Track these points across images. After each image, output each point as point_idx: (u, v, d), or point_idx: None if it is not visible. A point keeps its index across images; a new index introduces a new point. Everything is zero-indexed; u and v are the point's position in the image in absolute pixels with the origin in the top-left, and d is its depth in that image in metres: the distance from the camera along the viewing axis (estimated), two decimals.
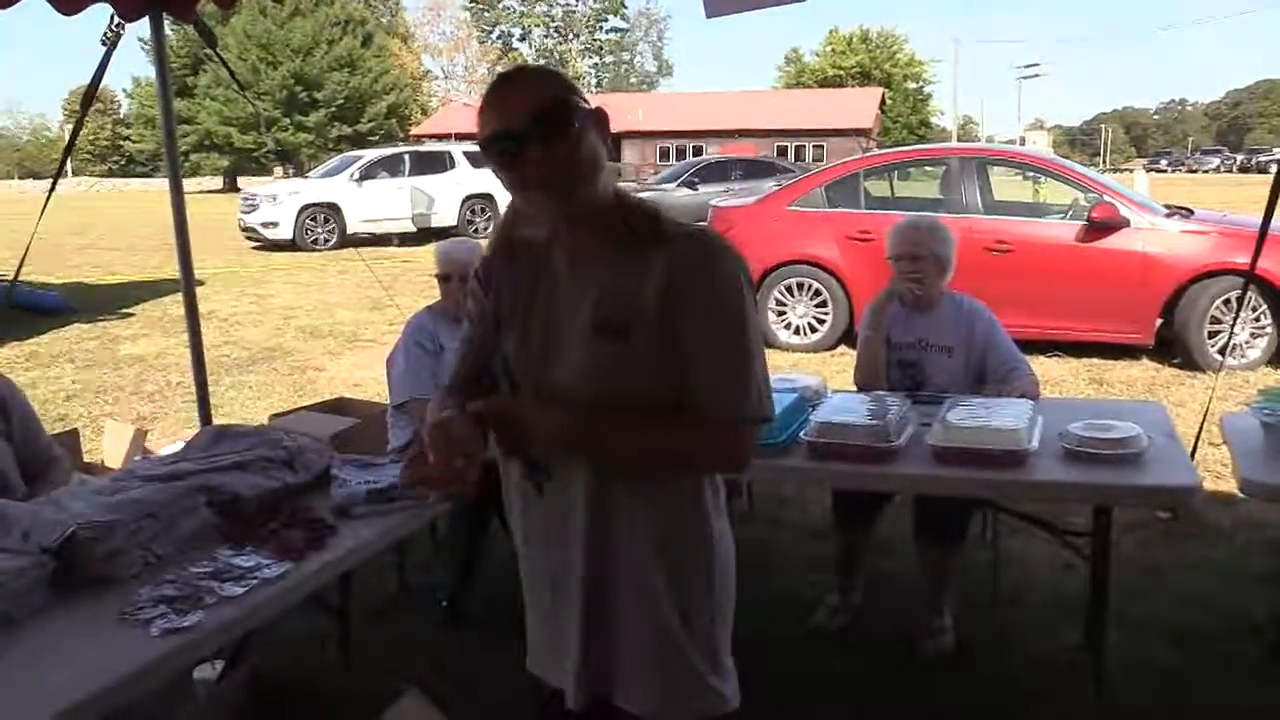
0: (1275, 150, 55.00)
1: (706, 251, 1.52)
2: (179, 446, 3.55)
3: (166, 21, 3.54)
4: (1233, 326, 5.79)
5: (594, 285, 1.56)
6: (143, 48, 41.28)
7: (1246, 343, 7.12)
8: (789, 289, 8.32)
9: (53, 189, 3.86)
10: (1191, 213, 7.70)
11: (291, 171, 43.22)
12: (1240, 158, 58.85)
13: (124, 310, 11.07)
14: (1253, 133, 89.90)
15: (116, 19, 3.32)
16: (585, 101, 1.52)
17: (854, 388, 3.56)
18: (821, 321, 8.27)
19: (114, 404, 6.96)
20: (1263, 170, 47.29)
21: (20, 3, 3.02)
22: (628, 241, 1.55)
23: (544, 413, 1.54)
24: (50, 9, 3.10)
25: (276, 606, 2.12)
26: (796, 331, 8.35)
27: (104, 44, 3.33)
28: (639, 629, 1.62)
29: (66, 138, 58.08)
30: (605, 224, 1.56)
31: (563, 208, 1.52)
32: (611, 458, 1.56)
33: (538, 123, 1.45)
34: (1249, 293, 6.65)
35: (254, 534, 2.30)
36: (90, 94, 3.49)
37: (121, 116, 63.55)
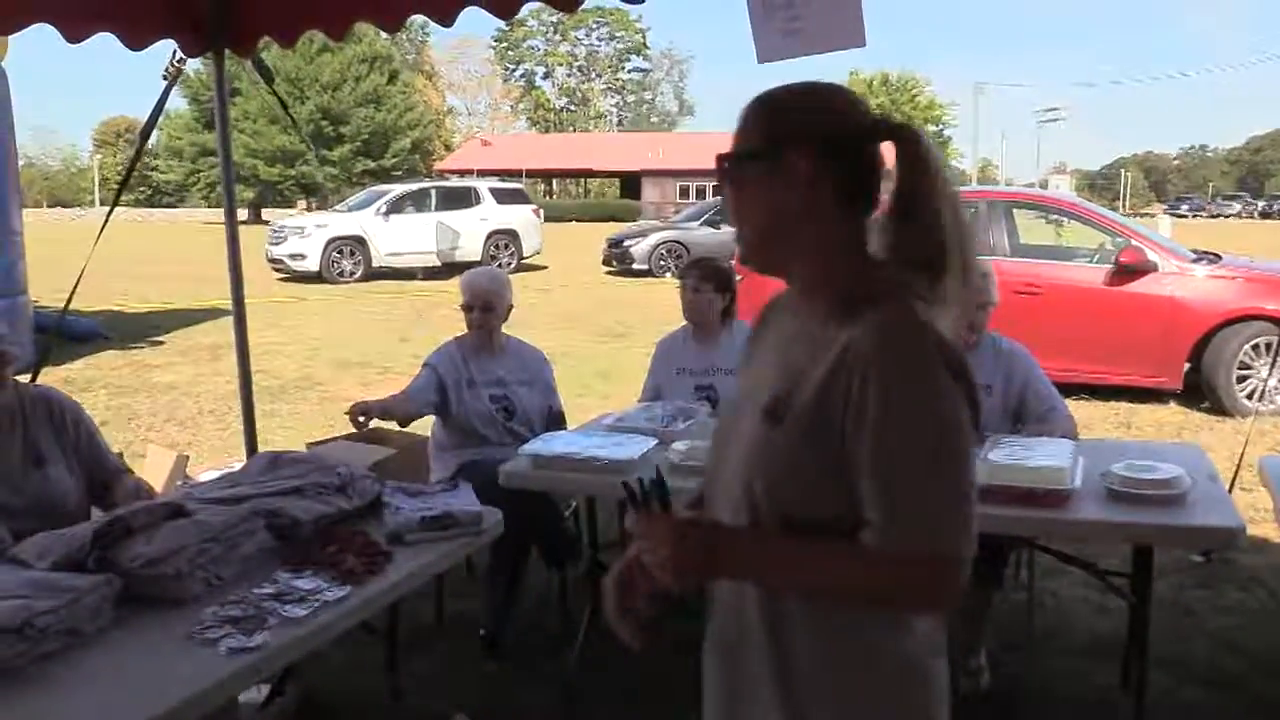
0: None
1: (889, 336, 1.24)
2: (217, 474, 3.62)
3: (198, 58, 3.62)
4: (1270, 371, 5.76)
5: (782, 357, 1.37)
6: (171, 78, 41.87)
7: (1275, 388, 7.12)
8: None
9: (106, 222, 3.97)
10: (1219, 258, 7.72)
11: (315, 205, 43.70)
12: (1262, 204, 58.75)
13: (155, 338, 11.21)
14: (1274, 179, 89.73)
15: (178, 54, 3.43)
16: (794, 150, 1.33)
17: None
18: None
19: (148, 430, 7.05)
20: None
21: (91, 38, 3.13)
22: (828, 313, 1.33)
23: (711, 539, 1.32)
24: (119, 43, 3.21)
25: (335, 630, 2.15)
26: None
27: (165, 78, 3.45)
28: None
29: (96, 168, 58.97)
30: (815, 289, 1.37)
31: (747, 252, 1.41)
32: (785, 589, 1.34)
33: (724, 168, 1.40)
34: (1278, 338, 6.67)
35: (312, 557, 2.35)
36: (149, 126, 3.61)
37: (149, 147, 64.39)
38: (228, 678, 1.87)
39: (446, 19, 3.13)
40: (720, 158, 1.39)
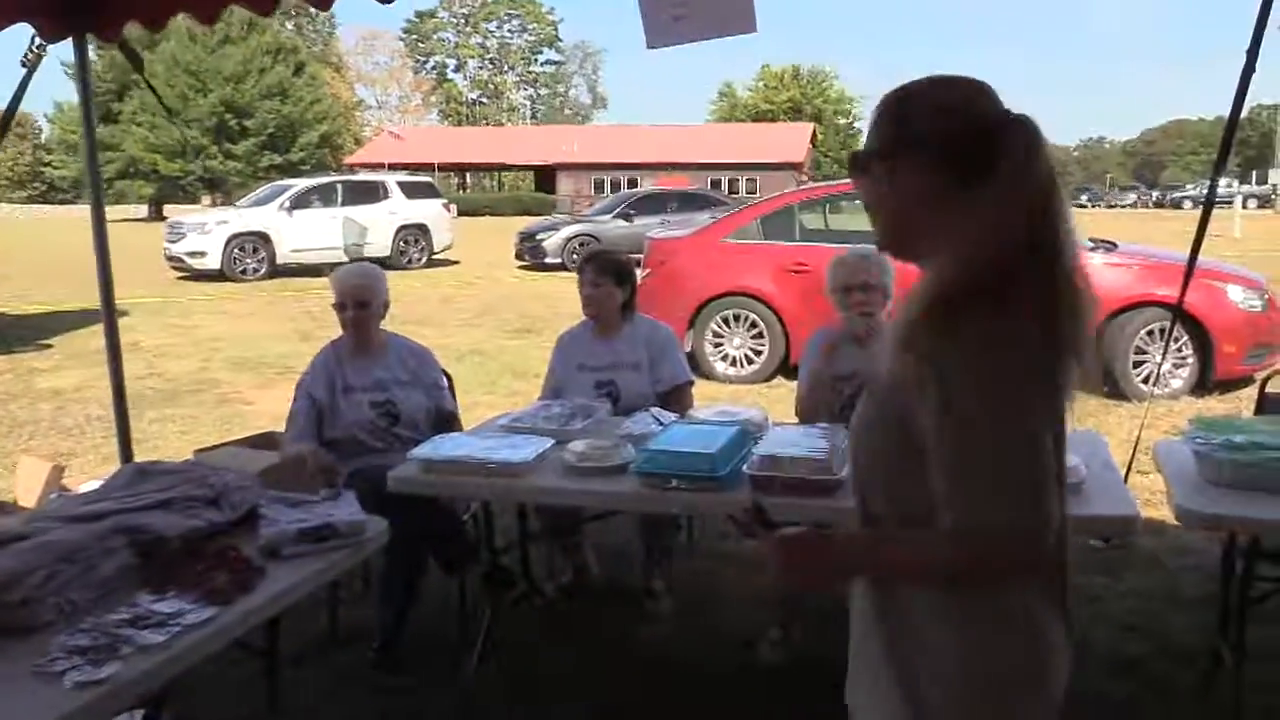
0: (1187, 187, 57.08)
1: (943, 324, 1.28)
2: (98, 484, 3.40)
3: (91, 45, 3.43)
4: (1164, 356, 5.91)
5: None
6: (66, 71, 40.35)
7: (1169, 372, 7.30)
8: (725, 321, 8.34)
9: None
10: (1115, 246, 7.90)
11: (220, 200, 42.49)
12: (1156, 194, 60.99)
13: (41, 342, 10.69)
14: (1166, 170, 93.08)
15: (37, 40, 3.20)
16: (919, 146, 1.37)
17: (793, 419, 3.54)
18: (758, 353, 8.30)
19: (30, 439, 6.69)
20: (1176, 206, 49.12)
21: None
22: None
23: (807, 549, 1.44)
24: None
25: (199, 654, 2.01)
26: (733, 363, 8.36)
27: (24, 65, 3.21)
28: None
29: None
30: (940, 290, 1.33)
31: (882, 243, 1.50)
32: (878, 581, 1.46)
33: (852, 159, 1.48)
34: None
35: (177, 577, 2.19)
36: (9, 118, 3.37)
37: (42, 142, 62.00)
38: (71, 714, 1.71)
39: (322, 3, 2.97)
40: (860, 155, 1.46)
